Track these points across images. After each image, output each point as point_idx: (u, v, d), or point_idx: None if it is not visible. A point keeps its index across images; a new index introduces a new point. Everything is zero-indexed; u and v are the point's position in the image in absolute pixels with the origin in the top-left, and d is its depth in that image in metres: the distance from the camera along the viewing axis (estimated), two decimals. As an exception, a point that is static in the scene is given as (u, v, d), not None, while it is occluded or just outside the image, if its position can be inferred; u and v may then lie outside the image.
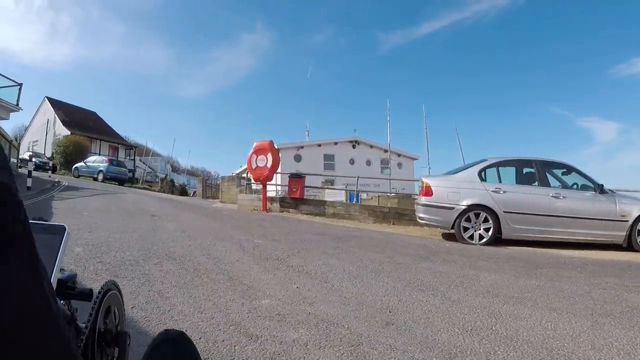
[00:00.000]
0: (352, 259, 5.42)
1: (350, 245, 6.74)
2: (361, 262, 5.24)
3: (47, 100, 40.96)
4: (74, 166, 29.31)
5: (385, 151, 36.49)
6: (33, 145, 41.06)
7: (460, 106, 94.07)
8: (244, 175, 34.41)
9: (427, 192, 9.18)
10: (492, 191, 8.84)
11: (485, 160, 9.48)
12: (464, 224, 8.78)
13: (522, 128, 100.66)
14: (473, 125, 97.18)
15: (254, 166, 13.99)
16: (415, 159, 39.08)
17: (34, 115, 42.46)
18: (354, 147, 34.92)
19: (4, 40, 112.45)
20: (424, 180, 9.37)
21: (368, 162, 35.48)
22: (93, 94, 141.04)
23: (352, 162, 34.58)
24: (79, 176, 28.37)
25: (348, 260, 5.35)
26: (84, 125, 39.31)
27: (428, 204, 9.13)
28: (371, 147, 35.95)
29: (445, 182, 9.26)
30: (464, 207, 8.80)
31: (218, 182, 29.35)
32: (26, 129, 43.67)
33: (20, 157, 32.40)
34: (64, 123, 37.57)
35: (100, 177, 26.88)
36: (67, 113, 39.79)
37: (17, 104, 21.11)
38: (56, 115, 38.61)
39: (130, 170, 40.68)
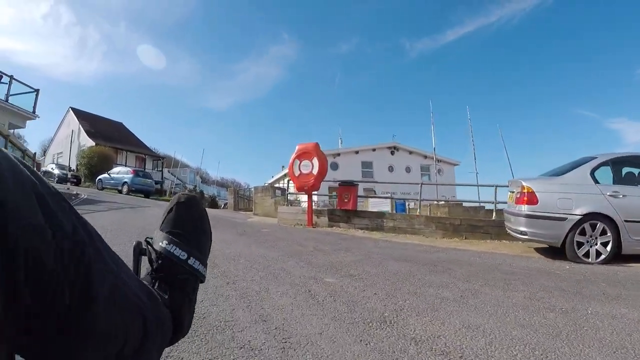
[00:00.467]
0: (495, 310, 3.55)
1: (462, 278, 4.89)
2: (514, 316, 3.38)
3: (71, 110, 40.60)
4: (97, 178, 28.33)
5: (425, 157, 34.45)
6: (58, 157, 40.72)
7: (485, 112, 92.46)
8: (279, 184, 32.88)
9: (531, 199, 7.30)
10: (609, 195, 6.97)
11: (594, 157, 7.65)
12: (577, 238, 6.95)
13: (549, 131, 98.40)
14: (496, 130, 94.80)
15: (297, 173, 12.29)
16: (456, 164, 36.77)
17: (59, 127, 42.19)
18: (392, 153, 32.99)
19: (31, 55, 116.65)
20: (526, 184, 7.47)
21: (407, 169, 33.49)
22: (120, 107, 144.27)
23: (391, 169, 32.65)
24: (102, 188, 27.40)
25: (490, 312, 3.48)
26: (109, 135, 38.63)
27: (533, 214, 7.24)
28: (410, 152, 33.95)
29: (553, 186, 7.41)
30: (578, 217, 6.98)
31: (250, 193, 27.87)
32: (51, 140, 43.36)
33: (42, 169, 31.97)
34: (89, 134, 36.94)
35: (125, 189, 25.73)
36: (92, 123, 39.23)
37: (34, 111, 20.09)
38: (80, 126, 38.06)
39: (157, 182, 39.66)
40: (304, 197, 13.64)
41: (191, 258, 0.88)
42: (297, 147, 12.51)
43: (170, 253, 0.86)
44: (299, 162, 12.28)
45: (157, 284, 0.85)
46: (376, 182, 27.13)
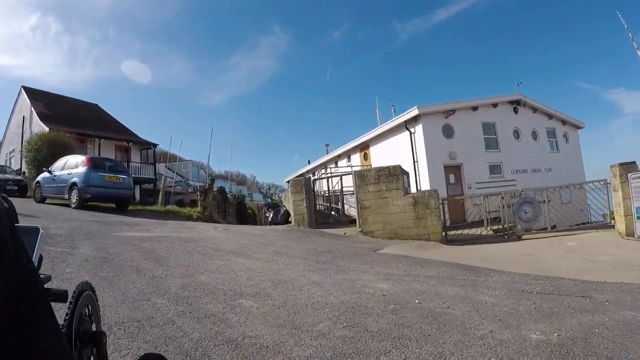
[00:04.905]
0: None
1: None
2: None
3: (23, 91, 25.89)
4: (35, 181, 13.98)
5: (550, 117, 20.61)
6: (10, 158, 26.22)
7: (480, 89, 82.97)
8: (323, 174, 18.60)
9: None
10: None
11: None
12: None
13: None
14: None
15: None
16: (581, 127, 23.02)
17: (10, 117, 27.49)
18: (515, 111, 18.96)
19: (26, 68, 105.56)
20: None
21: (534, 134, 19.56)
22: (115, 110, 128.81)
23: (516, 134, 18.67)
24: (43, 199, 13.15)
25: None
26: (73, 118, 24.25)
27: None
28: (534, 110, 20.01)
29: None
30: None
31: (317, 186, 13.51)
32: (3, 136, 28.60)
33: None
34: (42, 117, 22.63)
35: (75, 197, 11.64)
36: (50, 105, 24.84)
37: None
38: (32, 108, 23.45)
39: (148, 180, 25.06)
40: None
41: None
42: None
43: None
44: None
45: None
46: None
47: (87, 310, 1.22)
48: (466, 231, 10.45)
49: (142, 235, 7.19)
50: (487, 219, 11.91)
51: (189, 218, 13.29)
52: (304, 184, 11.01)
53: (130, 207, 12.82)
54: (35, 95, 25.52)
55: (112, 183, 11.78)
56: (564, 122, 21.68)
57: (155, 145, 26.67)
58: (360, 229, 9.46)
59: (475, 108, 17.08)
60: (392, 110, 24.06)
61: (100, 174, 11.63)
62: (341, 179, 12.04)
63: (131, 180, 12.63)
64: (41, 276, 0.88)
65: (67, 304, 1.03)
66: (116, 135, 25.26)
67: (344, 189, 12.48)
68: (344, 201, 12.05)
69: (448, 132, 16.09)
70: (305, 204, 10.82)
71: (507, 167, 17.56)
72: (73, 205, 11.49)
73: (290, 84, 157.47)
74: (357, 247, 7.82)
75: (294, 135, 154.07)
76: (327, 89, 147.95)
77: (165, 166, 28.74)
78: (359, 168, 18.22)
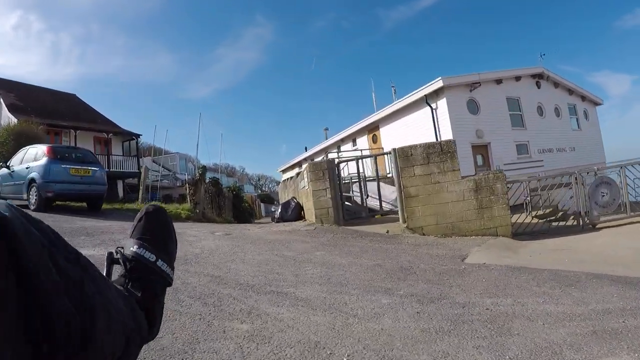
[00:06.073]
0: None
1: None
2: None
3: (-7, 81, 22.96)
4: (-7, 178, 11.43)
5: (571, 92, 18.55)
6: (-18, 156, 23.33)
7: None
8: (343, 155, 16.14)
9: None
10: None
11: None
12: None
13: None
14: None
15: None
16: (599, 103, 21.11)
17: (-19, 110, 24.47)
18: (538, 85, 16.78)
19: (8, 68, 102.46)
20: None
21: (557, 111, 17.46)
22: (102, 108, 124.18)
23: (540, 110, 16.54)
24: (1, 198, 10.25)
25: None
26: (48, 109, 21.60)
27: None
28: (556, 85, 17.89)
29: None
30: None
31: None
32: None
33: None
34: (12, 108, 19.96)
35: (34, 197, 8.97)
36: (22, 96, 22.10)
37: None
38: (2, 99, 20.65)
39: (132, 175, 22.35)
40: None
41: (159, 260, 0.81)
42: None
43: (140, 256, 0.79)
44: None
45: (129, 285, 0.78)
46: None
47: None
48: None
49: (100, 254, 4.49)
50: (528, 204, 10.23)
51: (176, 218, 10.69)
52: (327, 169, 8.38)
53: (105, 206, 10.38)
54: (6, 86, 22.67)
55: (80, 177, 9.26)
56: (583, 98, 19.68)
57: (138, 136, 23.93)
58: (405, 225, 7.20)
59: (499, 81, 14.83)
60: (393, 92, 21.66)
61: (64, 166, 9.09)
62: (376, 160, 9.58)
63: (104, 173, 10.07)
64: None
65: None
66: (95, 126, 22.45)
67: (355, 175, 10.06)
68: (369, 191, 9.64)
69: (473, 107, 13.82)
70: (329, 195, 8.23)
71: (534, 147, 15.45)
72: (32, 207, 9.00)
73: (277, 76, 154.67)
74: (430, 256, 5.49)
75: (283, 126, 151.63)
76: (315, 80, 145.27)
77: (152, 159, 25.97)
78: (367, 152, 15.89)
